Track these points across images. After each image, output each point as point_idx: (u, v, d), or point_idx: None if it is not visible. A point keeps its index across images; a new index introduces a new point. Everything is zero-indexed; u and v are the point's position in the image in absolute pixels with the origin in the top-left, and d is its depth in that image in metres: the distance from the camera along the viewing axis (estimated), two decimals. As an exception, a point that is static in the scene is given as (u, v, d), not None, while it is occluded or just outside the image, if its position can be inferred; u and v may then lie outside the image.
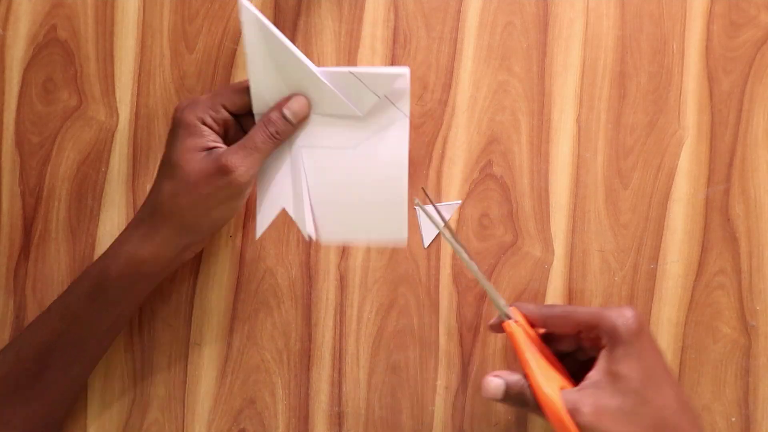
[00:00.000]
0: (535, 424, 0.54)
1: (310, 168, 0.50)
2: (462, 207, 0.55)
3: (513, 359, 0.54)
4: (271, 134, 0.47)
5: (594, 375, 0.42)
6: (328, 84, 0.47)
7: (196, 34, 0.55)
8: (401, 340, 0.54)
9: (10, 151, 0.55)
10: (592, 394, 0.41)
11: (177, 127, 0.47)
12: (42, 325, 0.49)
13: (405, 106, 0.48)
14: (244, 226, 0.55)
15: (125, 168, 0.55)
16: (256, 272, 0.55)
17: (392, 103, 0.48)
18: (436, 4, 0.55)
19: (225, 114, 0.48)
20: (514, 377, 0.44)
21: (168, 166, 0.47)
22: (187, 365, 0.54)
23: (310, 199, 0.50)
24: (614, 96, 0.55)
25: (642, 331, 0.43)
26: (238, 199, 0.48)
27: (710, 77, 0.55)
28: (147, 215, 0.47)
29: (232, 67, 0.55)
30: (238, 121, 0.50)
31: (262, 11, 0.55)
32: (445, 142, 0.55)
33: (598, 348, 0.44)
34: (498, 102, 0.55)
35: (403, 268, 0.55)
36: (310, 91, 0.48)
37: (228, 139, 0.49)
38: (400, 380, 0.54)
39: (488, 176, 0.55)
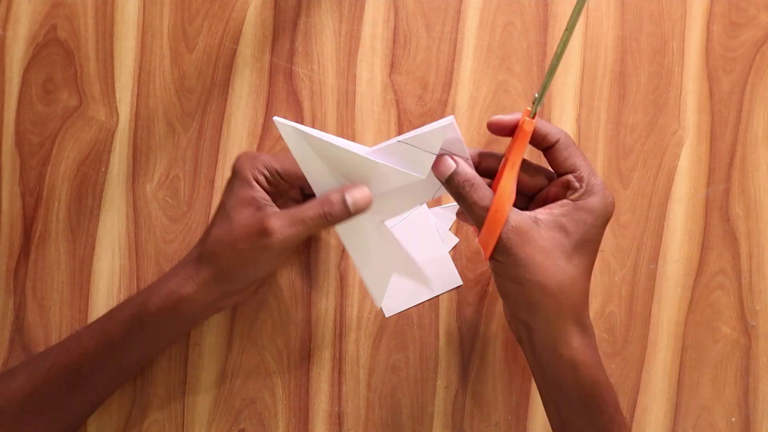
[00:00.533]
0: (536, 423, 0.54)
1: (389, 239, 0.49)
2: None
3: (513, 359, 0.54)
4: (325, 214, 0.46)
5: (540, 212, 0.44)
6: (384, 162, 0.45)
7: (196, 34, 0.55)
8: (401, 340, 0.54)
9: (10, 151, 0.55)
10: (528, 221, 0.43)
11: (234, 177, 0.48)
12: (77, 345, 0.49)
13: (463, 151, 0.46)
14: (244, 226, 0.55)
15: (125, 168, 0.55)
16: (256, 272, 0.55)
17: (450, 153, 0.46)
18: (436, 4, 0.55)
19: (281, 182, 0.48)
20: (469, 169, 0.45)
21: (220, 212, 0.48)
22: (187, 365, 0.54)
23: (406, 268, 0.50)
24: (614, 96, 0.55)
25: (609, 218, 0.44)
26: (273, 262, 0.47)
27: (710, 77, 0.55)
28: (194, 257, 0.48)
29: (232, 67, 0.55)
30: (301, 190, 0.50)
31: (263, 11, 0.55)
32: (445, 142, 0.55)
33: (556, 195, 0.45)
34: (498, 102, 0.55)
35: (403, 268, 0.55)
36: (369, 175, 0.46)
37: (281, 200, 0.49)
38: (400, 380, 0.54)
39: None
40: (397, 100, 0.55)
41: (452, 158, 0.45)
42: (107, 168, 0.55)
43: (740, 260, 0.54)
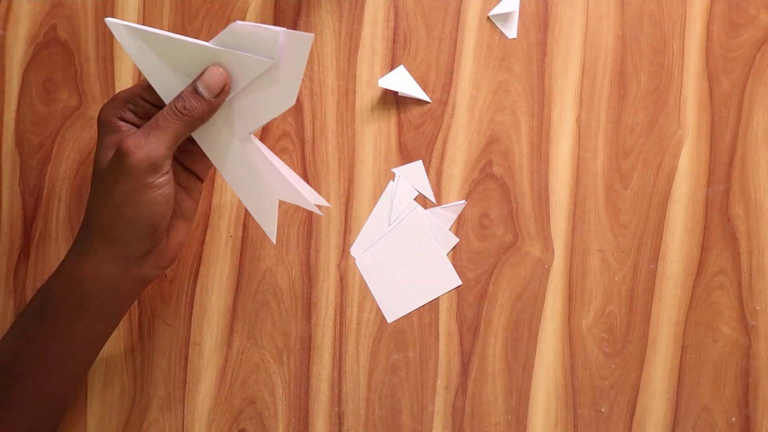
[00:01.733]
0: (536, 423, 0.54)
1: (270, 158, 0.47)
2: (462, 207, 0.55)
3: (513, 358, 0.54)
4: (178, 110, 0.41)
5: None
6: (226, 48, 0.42)
7: (196, 34, 0.55)
8: (401, 340, 0.54)
9: (10, 151, 0.55)
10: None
11: (98, 128, 0.44)
12: (2, 345, 0.47)
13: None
14: (244, 226, 0.55)
15: (125, 168, 0.55)
16: (256, 272, 0.54)
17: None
18: (436, 4, 0.55)
19: (147, 106, 0.44)
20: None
21: (93, 172, 0.44)
22: (187, 365, 0.54)
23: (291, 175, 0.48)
24: (614, 96, 0.55)
25: None
26: (144, 192, 0.41)
27: (710, 77, 0.55)
28: (81, 229, 0.45)
29: (232, 67, 0.55)
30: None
31: (263, 11, 0.55)
32: (445, 142, 0.55)
33: None
34: (498, 102, 0.55)
35: (403, 268, 0.55)
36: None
37: None
38: (400, 380, 0.54)
39: (488, 176, 0.55)
40: (397, 100, 0.55)
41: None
42: (107, 168, 0.55)
43: (740, 260, 0.54)
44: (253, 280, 0.54)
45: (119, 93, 0.45)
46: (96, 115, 0.55)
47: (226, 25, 0.55)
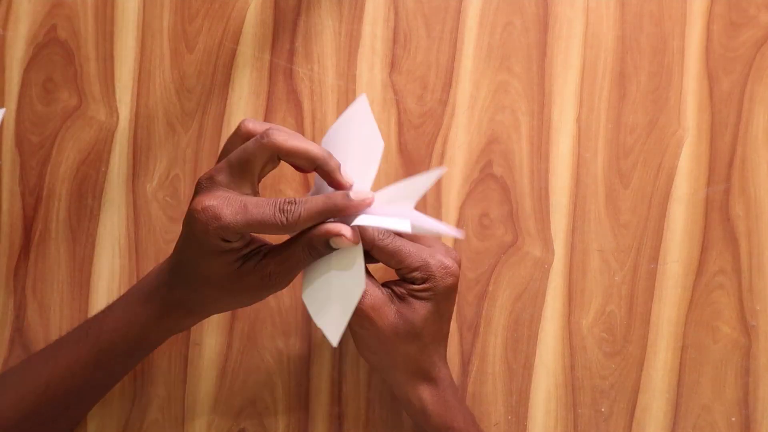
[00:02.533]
0: (535, 423, 0.54)
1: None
2: (462, 207, 0.55)
3: (513, 358, 0.54)
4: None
5: (398, 289, 0.46)
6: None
7: (196, 34, 0.55)
8: (401, 340, 0.54)
9: (10, 151, 0.55)
10: (387, 300, 0.46)
11: (201, 244, 0.42)
12: (44, 368, 0.48)
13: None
14: (244, 226, 0.55)
15: (125, 168, 0.55)
16: (256, 272, 0.54)
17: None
18: (436, 4, 0.55)
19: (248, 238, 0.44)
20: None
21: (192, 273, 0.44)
22: (187, 365, 0.54)
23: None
24: (614, 96, 0.55)
25: (454, 292, 0.47)
26: (223, 259, 0.43)
27: (710, 77, 0.55)
28: (165, 288, 0.46)
29: (232, 67, 0.55)
30: None
31: (263, 11, 0.55)
32: (445, 142, 0.55)
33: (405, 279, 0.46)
34: (498, 102, 0.55)
35: (403, 268, 0.55)
36: None
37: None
38: (400, 380, 0.54)
39: (488, 176, 0.55)
40: (397, 100, 0.55)
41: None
42: (107, 168, 0.55)
43: (740, 260, 0.54)
44: (253, 280, 0.54)
45: (227, 221, 0.41)
46: (96, 115, 0.55)
47: (226, 24, 0.55)
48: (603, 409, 0.54)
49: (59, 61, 0.55)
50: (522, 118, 0.55)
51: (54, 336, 0.54)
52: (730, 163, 0.55)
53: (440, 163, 0.55)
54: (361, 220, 0.42)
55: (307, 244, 0.43)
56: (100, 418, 0.54)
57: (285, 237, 0.44)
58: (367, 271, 0.46)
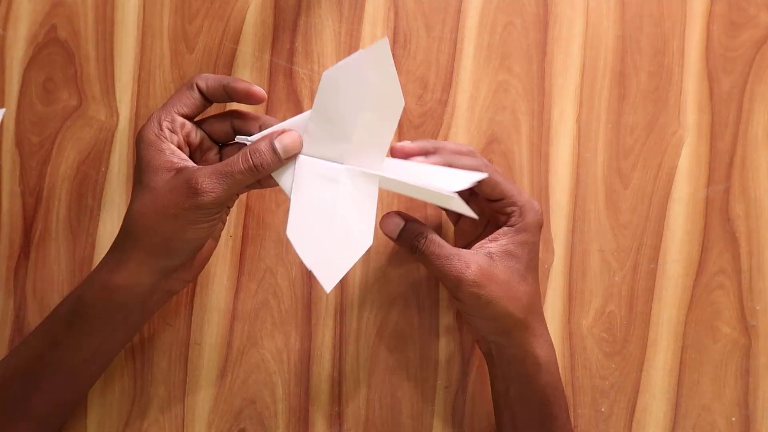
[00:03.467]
0: (535, 424, 0.54)
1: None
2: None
3: (513, 359, 0.54)
4: (254, 165, 0.44)
5: (491, 246, 0.46)
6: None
7: (196, 34, 0.55)
8: (401, 340, 0.54)
9: (10, 151, 0.55)
10: (485, 260, 0.45)
11: (139, 147, 0.45)
12: (25, 348, 0.48)
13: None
14: (244, 226, 0.55)
15: (125, 168, 0.55)
16: (256, 272, 0.54)
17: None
18: (436, 4, 0.55)
19: (181, 121, 0.46)
20: (414, 222, 0.46)
21: (137, 186, 0.45)
22: (187, 365, 0.54)
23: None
24: (614, 96, 0.55)
25: (542, 225, 0.48)
26: (210, 221, 0.44)
27: (710, 77, 0.55)
28: (120, 240, 0.45)
29: (232, 67, 0.55)
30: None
31: (263, 11, 0.55)
32: (445, 142, 0.55)
33: (497, 222, 0.48)
34: (498, 102, 0.55)
35: (404, 267, 0.55)
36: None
37: (198, 154, 0.48)
38: (400, 380, 0.54)
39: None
40: (397, 100, 0.55)
41: (400, 214, 0.46)
42: (107, 168, 0.55)
43: (740, 260, 0.54)
44: (253, 280, 0.54)
45: (154, 114, 0.46)
46: (96, 115, 0.55)
47: (226, 24, 0.55)
48: (603, 409, 0.54)
49: (59, 61, 0.55)
50: (522, 118, 0.55)
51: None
52: (730, 163, 0.55)
53: (440, 163, 0.55)
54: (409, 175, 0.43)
55: (249, 150, 0.44)
56: (100, 418, 0.54)
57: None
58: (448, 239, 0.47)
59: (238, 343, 0.54)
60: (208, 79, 0.46)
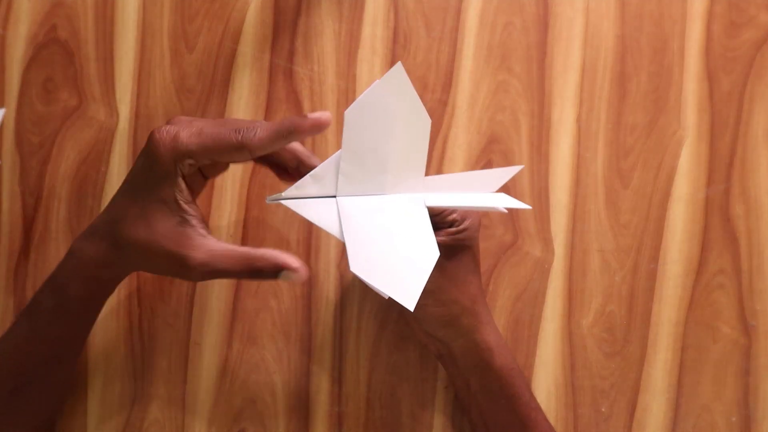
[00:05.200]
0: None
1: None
2: (462, 207, 0.55)
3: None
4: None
5: (444, 238, 0.47)
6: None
7: (196, 34, 0.55)
8: (401, 340, 0.54)
9: (10, 151, 0.55)
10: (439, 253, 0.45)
11: (153, 163, 0.42)
12: (7, 340, 0.47)
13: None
14: (244, 226, 0.55)
15: (125, 168, 0.55)
16: (256, 272, 0.54)
17: None
18: (436, 4, 0.55)
19: (205, 163, 0.43)
20: None
21: (137, 205, 0.42)
22: (187, 365, 0.54)
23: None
24: (614, 96, 0.55)
25: (480, 226, 0.50)
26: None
27: (710, 77, 0.55)
28: (107, 239, 0.44)
29: (232, 67, 0.55)
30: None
31: (263, 11, 0.55)
32: (445, 142, 0.55)
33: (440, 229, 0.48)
34: (498, 102, 0.55)
35: (403, 268, 0.55)
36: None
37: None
38: (400, 380, 0.54)
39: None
40: (397, 100, 0.55)
41: None
42: (107, 168, 0.55)
43: (740, 260, 0.54)
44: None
45: (184, 134, 0.42)
46: (96, 115, 0.55)
47: (226, 24, 0.55)
48: (603, 409, 0.54)
49: (59, 61, 0.55)
50: (522, 118, 0.55)
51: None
52: (730, 163, 0.55)
53: (440, 162, 0.55)
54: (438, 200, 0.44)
55: (251, 268, 0.42)
56: (99, 418, 0.54)
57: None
58: None
59: (238, 343, 0.54)
60: (262, 140, 0.41)
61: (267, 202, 0.43)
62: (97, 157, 0.55)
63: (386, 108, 0.42)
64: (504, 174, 0.45)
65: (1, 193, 0.55)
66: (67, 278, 0.45)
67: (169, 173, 0.42)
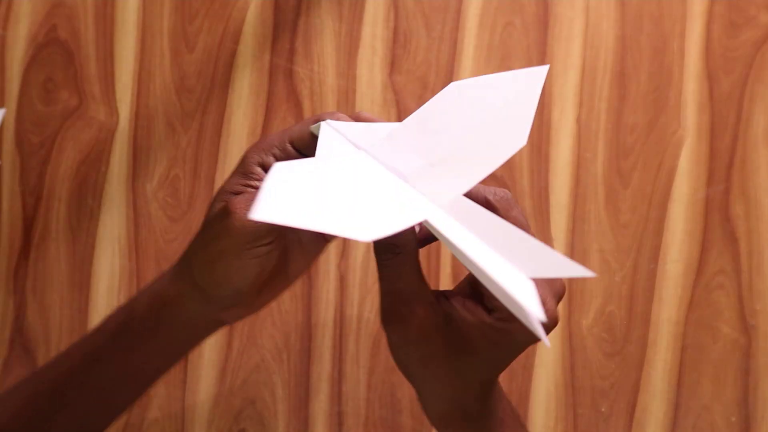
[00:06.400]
0: (535, 423, 0.54)
1: None
2: (462, 207, 0.55)
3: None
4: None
5: (461, 311, 0.37)
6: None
7: (196, 34, 0.55)
8: (401, 340, 0.54)
9: (10, 151, 0.55)
10: (441, 325, 0.37)
11: (238, 164, 0.39)
12: (61, 362, 0.43)
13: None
14: (244, 226, 0.55)
15: (125, 168, 0.55)
16: (256, 272, 0.54)
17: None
18: (436, 4, 0.55)
19: (294, 153, 0.38)
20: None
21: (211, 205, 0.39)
22: (187, 365, 0.54)
23: None
24: (614, 96, 0.55)
25: (533, 342, 0.38)
26: (240, 257, 0.37)
27: (710, 77, 0.55)
28: (178, 263, 0.40)
29: (232, 67, 0.55)
30: None
31: (263, 11, 0.55)
32: (445, 142, 0.55)
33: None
34: (498, 102, 0.55)
35: (403, 268, 0.55)
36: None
37: None
38: (400, 380, 0.54)
39: (488, 176, 0.55)
40: (397, 100, 0.55)
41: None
42: (107, 168, 0.55)
43: (740, 260, 0.54)
44: (253, 280, 0.54)
45: (270, 136, 0.39)
46: (96, 115, 0.55)
47: (226, 24, 0.55)
48: (603, 409, 0.54)
49: (59, 61, 0.55)
50: (522, 118, 0.55)
51: (54, 336, 0.54)
52: (730, 164, 0.55)
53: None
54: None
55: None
56: (100, 418, 0.54)
57: None
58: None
59: (238, 343, 0.54)
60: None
61: (310, 129, 0.37)
62: (97, 157, 0.55)
63: (499, 100, 0.36)
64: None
65: (1, 193, 0.55)
66: (140, 293, 0.41)
67: (245, 166, 0.38)
